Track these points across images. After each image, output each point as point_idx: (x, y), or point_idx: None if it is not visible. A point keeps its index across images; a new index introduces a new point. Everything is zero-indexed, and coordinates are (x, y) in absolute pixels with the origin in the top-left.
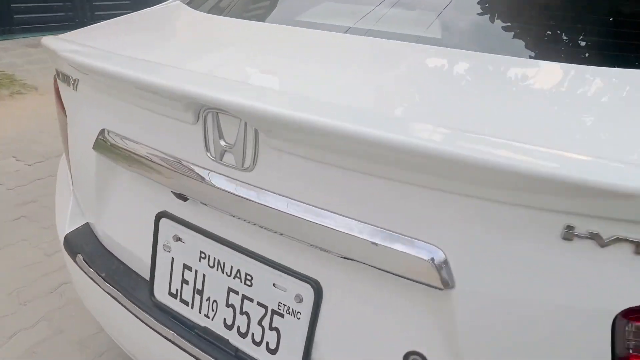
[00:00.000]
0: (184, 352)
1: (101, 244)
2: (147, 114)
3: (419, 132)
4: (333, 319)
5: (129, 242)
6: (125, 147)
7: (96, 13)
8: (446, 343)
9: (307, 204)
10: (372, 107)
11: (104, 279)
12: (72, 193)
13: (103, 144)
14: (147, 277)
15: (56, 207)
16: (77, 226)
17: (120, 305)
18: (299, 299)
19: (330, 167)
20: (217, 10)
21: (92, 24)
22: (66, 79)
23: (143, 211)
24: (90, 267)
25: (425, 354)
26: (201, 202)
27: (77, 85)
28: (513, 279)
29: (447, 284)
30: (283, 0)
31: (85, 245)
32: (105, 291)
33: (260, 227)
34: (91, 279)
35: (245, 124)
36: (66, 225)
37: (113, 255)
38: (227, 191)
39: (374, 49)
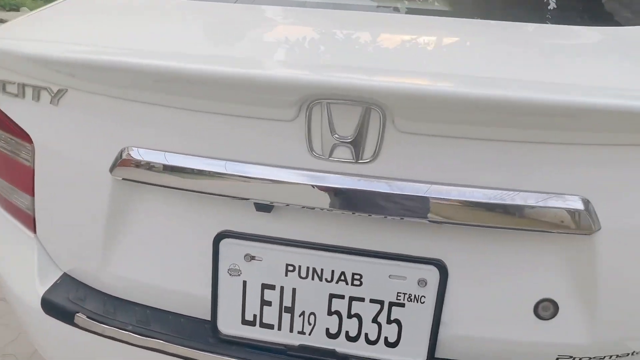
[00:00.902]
0: None
1: (104, 293)
2: (211, 119)
3: (573, 90)
4: (460, 293)
5: (167, 279)
6: (169, 164)
7: None
8: (580, 288)
9: (450, 184)
10: (503, 75)
11: (136, 333)
12: (36, 241)
13: (129, 165)
14: (201, 315)
15: None
16: (54, 281)
17: (172, 358)
18: (423, 283)
19: (469, 140)
20: None
21: None
22: (30, 92)
23: (190, 237)
24: (106, 324)
25: (557, 300)
26: (302, 207)
27: (60, 98)
28: None
29: (593, 228)
30: None
31: (79, 301)
32: (143, 347)
33: (374, 219)
34: (113, 338)
35: (369, 111)
36: (36, 283)
37: (133, 303)
38: (342, 189)
39: (443, 27)
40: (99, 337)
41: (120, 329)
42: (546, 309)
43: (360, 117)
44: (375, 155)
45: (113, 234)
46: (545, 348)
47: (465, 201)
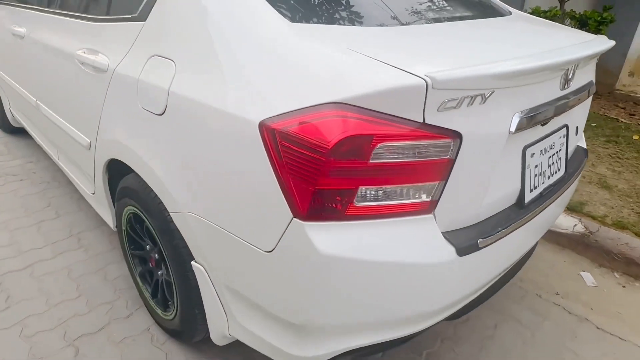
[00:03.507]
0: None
1: (471, 225)
2: (534, 86)
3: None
4: None
5: (497, 193)
6: (539, 114)
7: None
8: None
9: None
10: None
11: (501, 231)
12: (432, 218)
13: (527, 123)
14: (513, 203)
15: None
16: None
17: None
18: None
19: None
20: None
21: None
22: (466, 100)
23: (512, 159)
24: (490, 236)
25: None
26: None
27: (488, 97)
28: None
29: None
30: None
31: (472, 236)
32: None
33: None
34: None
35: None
36: (443, 248)
37: (484, 220)
38: (568, 95)
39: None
40: (492, 247)
41: (494, 234)
42: None
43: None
44: (569, 84)
45: (488, 182)
46: None
47: None
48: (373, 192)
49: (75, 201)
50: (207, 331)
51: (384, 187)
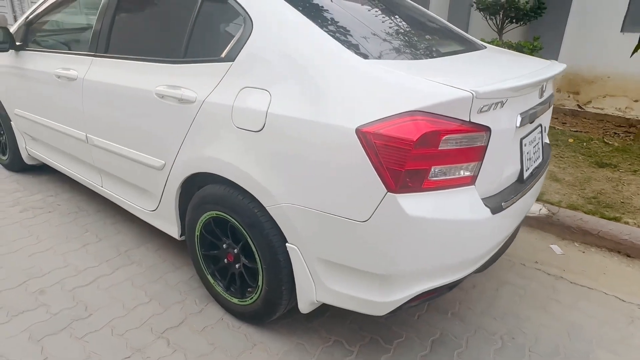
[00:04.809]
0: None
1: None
2: (530, 93)
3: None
4: None
5: (508, 170)
6: (531, 114)
7: None
8: None
9: None
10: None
11: (511, 201)
12: (473, 188)
13: (525, 121)
14: (516, 179)
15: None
16: (486, 204)
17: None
18: None
19: None
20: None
21: None
22: (494, 106)
23: (515, 147)
24: (507, 202)
25: None
26: (535, 111)
27: (505, 103)
28: None
29: None
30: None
31: (498, 200)
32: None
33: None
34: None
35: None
36: (482, 209)
37: (493, 195)
38: (540, 103)
39: None
40: (508, 210)
41: (510, 200)
42: None
43: (541, 88)
44: (543, 95)
45: (504, 162)
46: None
47: None
48: (439, 170)
49: (110, 226)
50: (289, 306)
51: (446, 166)
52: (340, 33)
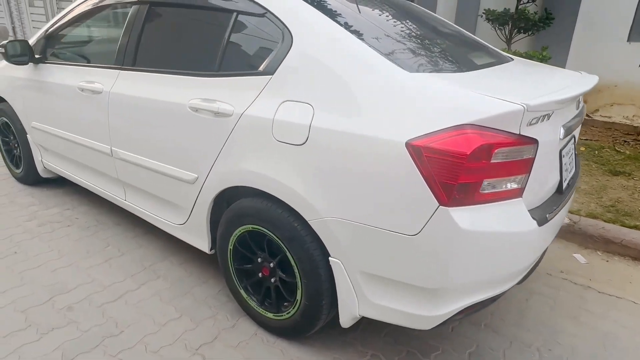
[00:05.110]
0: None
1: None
2: (562, 109)
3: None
4: None
5: (550, 182)
6: (572, 126)
7: None
8: None
9: None
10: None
11: (554, 212)
12: (520, 201)
13: (567, 132)
14: (556, 190)
15: None
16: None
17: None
18: None
19: None
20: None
21: None
22: (543, 118)
23: (556, 158)
24: (550, 214)
25: None
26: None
27: (551, 115)
28: None
29: None
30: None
31: (547, 210)
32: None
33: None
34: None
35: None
36: (529, 221)
37: (537, 207)
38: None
39: None
40: (551, 222)
41: (553, 212)
42: None
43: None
44: (578, 106)
45: (549, 174)
46: None
47: None
48: (490, 183)
49: (131, 239)
50: (327, 320)
51: (497, 179)
52: (381, 46)
